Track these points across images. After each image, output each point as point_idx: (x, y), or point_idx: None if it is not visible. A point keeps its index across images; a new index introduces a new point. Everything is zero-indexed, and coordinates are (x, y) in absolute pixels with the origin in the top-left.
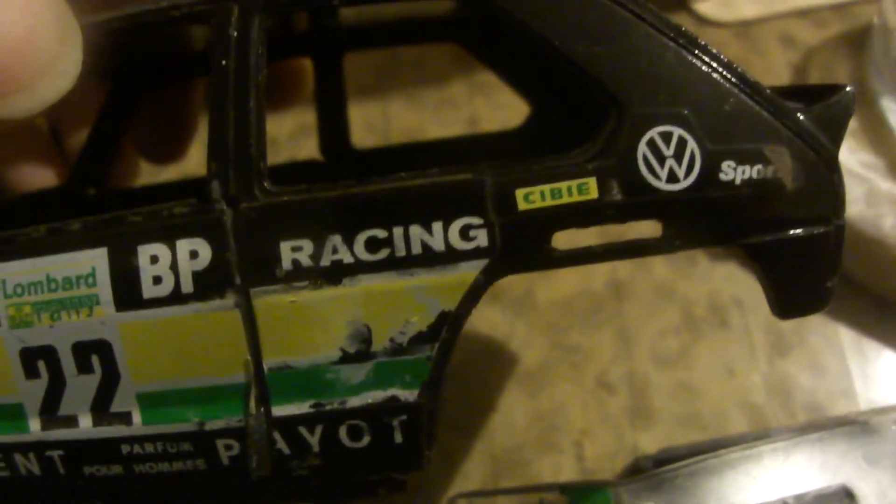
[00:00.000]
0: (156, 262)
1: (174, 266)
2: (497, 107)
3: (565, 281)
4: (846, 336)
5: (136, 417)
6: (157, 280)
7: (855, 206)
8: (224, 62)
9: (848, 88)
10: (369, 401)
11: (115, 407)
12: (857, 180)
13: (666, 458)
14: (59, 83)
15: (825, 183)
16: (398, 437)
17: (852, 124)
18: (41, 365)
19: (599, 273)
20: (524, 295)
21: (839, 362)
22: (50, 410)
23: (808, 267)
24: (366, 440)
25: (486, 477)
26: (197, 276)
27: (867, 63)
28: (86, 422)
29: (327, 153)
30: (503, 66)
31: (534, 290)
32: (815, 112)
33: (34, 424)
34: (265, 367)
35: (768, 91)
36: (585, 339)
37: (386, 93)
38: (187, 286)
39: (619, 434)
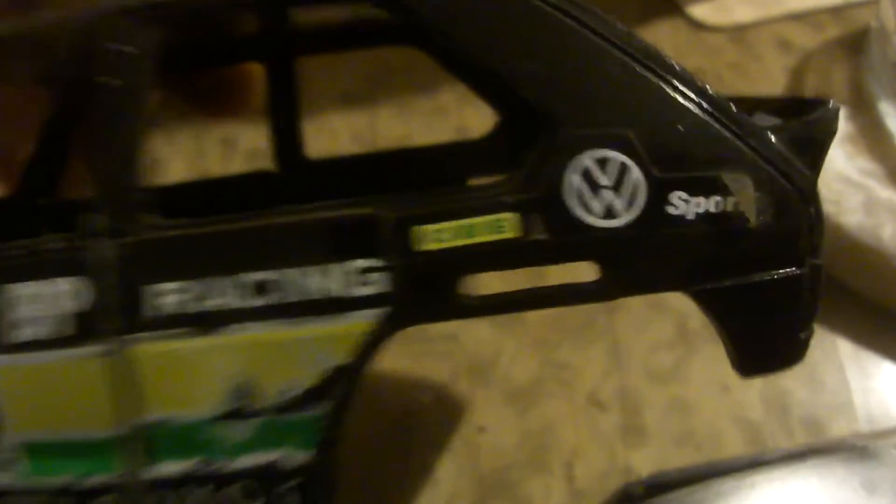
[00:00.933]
0: (23, 302)
1: (43, 307)
2: (487, 115)
3: None
4: (844, 348)
5: (25, 466)
6: (26, 322)
7: (853, 216)
8: (105, 80)
9: (831, 103)
10: (258, 462)
11: (2, 454)
12: (855, 188)
13: (657, 484)
14: None
15: (799, 216)
16: (292, 502)
17: (850, 130)
18: None
19: None
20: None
21: (838, 376)
22: None
23: (777, 316)
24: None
25: (473, 500)
26: (68, 319)
27: (865, 67)
28: None
29: (281, 163)
30: (464, 69)
31: None
32: (789, 132)
33: None
34: (144, 421)
35: (732, 107)
36: (576, 354)
37: (374, 101)
38: (58, 330)
39: (612, 453)
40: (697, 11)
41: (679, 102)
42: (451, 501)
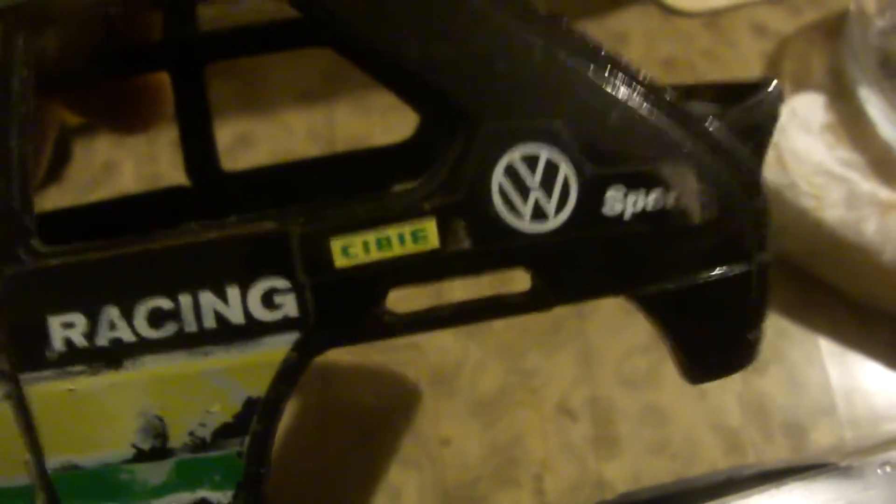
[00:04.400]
0: None
1: None
2: None
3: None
4: (827, 349)
5: None
6: None
7: (835, 210)
8: None
9: (774, 83)
10: None
11: None
12: (837, 181)
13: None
14: None
15: (745, 209)
16: None
17: (829, 119)
18: None
19: None
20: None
21: (820, 377)
22: None
23: (725, 318)
24: None
25: None
26: None
27: (844, 51)
28: None
29: (194, 178)
30: (380, 68)
31: None
32: (731, 118)
33: None
34: (48, 468)
35: (669, 93)
36: (545, 361)
37: (332, 98)
38: None
39: (583, 465)
40: None
41: (611, 91)
42: None
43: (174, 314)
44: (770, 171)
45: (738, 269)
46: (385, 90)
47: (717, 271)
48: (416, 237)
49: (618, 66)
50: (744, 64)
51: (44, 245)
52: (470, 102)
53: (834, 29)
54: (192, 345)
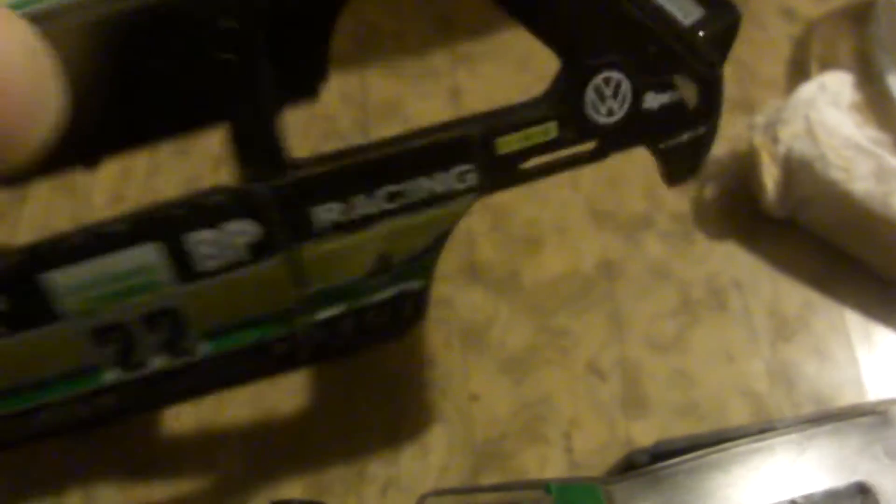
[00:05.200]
0: (206, 244)
1: (224, 244)
2: (480, 77)
3: (552, 260)
4: (852, 320)
5: (204, 348)
6: (210, 257)
7: (863, 183)
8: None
9: (735, 9)
10: (390, 294)
11: (182, 345)
12: (866, 155)
13: (662, 452)
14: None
15: (711, 97)
16: (408, 311)
17: (857, 99)
18: (112, 335)
19: (589, 252)
20: (508, 275)
21: (845, 348)
22: (123, 363)
23: (691, 154)
24: (385, 318)
25: (466, 471)
26: (247, 247)
27: (872, 37)
28: (156, 362)
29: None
30: (528, 23)
31: (519, 270)
32: (711, 32)
33: (110, 375)
34: (311, 291)
35: (683, 25)
36: (574, 322)
37: (364, 63)
38: (239, 256)
39: (611, 424)
40: None
41: (653, 31)
42: (443, 473)
43: (402, 193)
44: (800, 143)
45: (703, 129)
46: (416, 57)
47: (696, 131)
48: (545, 133)
49: (660, 13)
50: (773, 46)
51: (299, 160)
52: (572, 47)
53: (861, 15)
54: (413, 209)
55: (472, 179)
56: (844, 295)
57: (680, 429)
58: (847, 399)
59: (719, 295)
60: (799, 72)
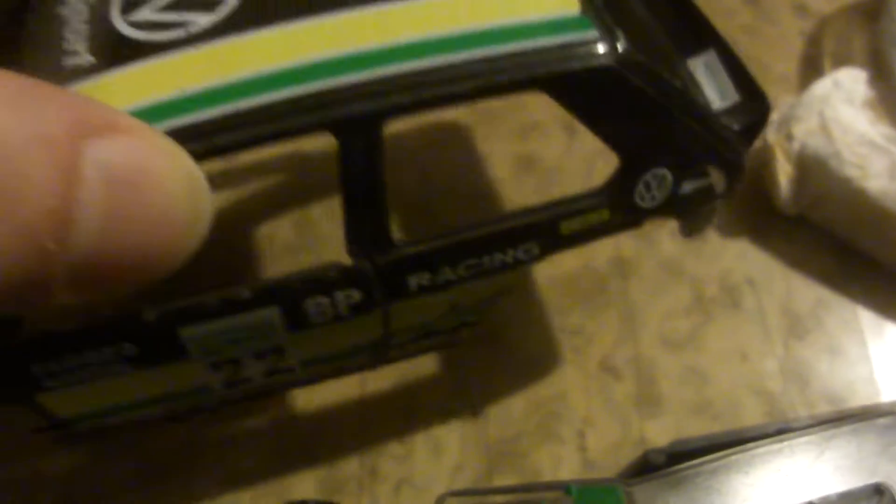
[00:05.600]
0: (319, 307)
1: (334, 306)
2: None
3: (566, 258)
4: (865, 318)
5: (298, 370)
6: (320, 314)
7: (877, 181)
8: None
9: (767, 103)
10: (452, 325)
11: (281, 369)
12: (880, 152)
13: (679, 452)
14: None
15: (736, 178)
16: (464, 333)
17: (870, 95)
18: (226, 366)
19: (602, 250)
20: (522, 274)
21: (858, 346)
22: (229, 385)
23: (707, 216)
24: (445, 339)
25: (481, 470)
26: (351, 307)
27: (883, 32)
28: (256, 382)
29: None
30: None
31: (533, 268)
32: (743, 126)
33: (216, 390)
34: (392, 329)
35: (721, 123)
36: (588, 320)
37: None
38: (344, 312)
39: (625, 423)
40: None
41: (698, 135)
42: (457, 472)
43: (480, 265)
44: (814, 139)
45: (725, 192)
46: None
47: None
48: (599, 217)
49: (707, 119)
50: (784, 41)
51: (398, 242)
52: (631, 153)
53: (873, 10)
54: (487, 275)
55: (535, 252)
56: (857, 292)
57: (694, 427)
58: (860, 396)
59: (733, 293)
60: (811, 68)
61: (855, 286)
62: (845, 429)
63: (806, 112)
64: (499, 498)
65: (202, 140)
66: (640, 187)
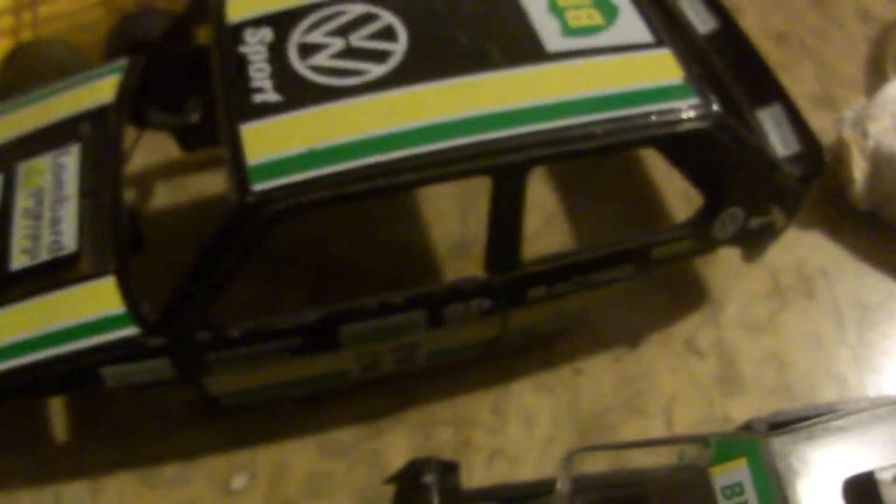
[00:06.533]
0: (456, 311)
1: (468, 311)
2: None
3: None
4: None
5: (425, 360)
6: (456, 317)
7: None
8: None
9: (821, 154)
10: (554, 328)
11: (411, 359)
12: None
13: (779, 422)
14: None
15: (792, 215)
16: (564, 330)
17: None
18: (366, 357)
19: None
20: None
21: None
22: (365, 373)
23: (765, 245)
24: (548, 335)
25: (571, 442)
26: (481, 312)
27: None
28: (387, 368)
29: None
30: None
31: None
32: (801, 174)
33: (353, 374)
34: (508, 329)
35: (784, 170)
36: (673, 303)
37: None
38: (473, 315)
39: (709, 400)
40: None
41: (767, 183)
42: (548, 445)
43: (586, 280)
44: (889, 138)
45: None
46: None
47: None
48: (684, 245)
49: (774, 168)
50: (850, 44)
51: (524, 261)
52: (719, 196)
53: None
54: (589, 289)
55: (630, 272)
56: None
57: (775, 406)
58: None
59: (807, 282)
60: (876, 72)
61: None
62: None
63: (880, 112)
64: (628, 454)
65: (393, 176)
66: (718, 222)
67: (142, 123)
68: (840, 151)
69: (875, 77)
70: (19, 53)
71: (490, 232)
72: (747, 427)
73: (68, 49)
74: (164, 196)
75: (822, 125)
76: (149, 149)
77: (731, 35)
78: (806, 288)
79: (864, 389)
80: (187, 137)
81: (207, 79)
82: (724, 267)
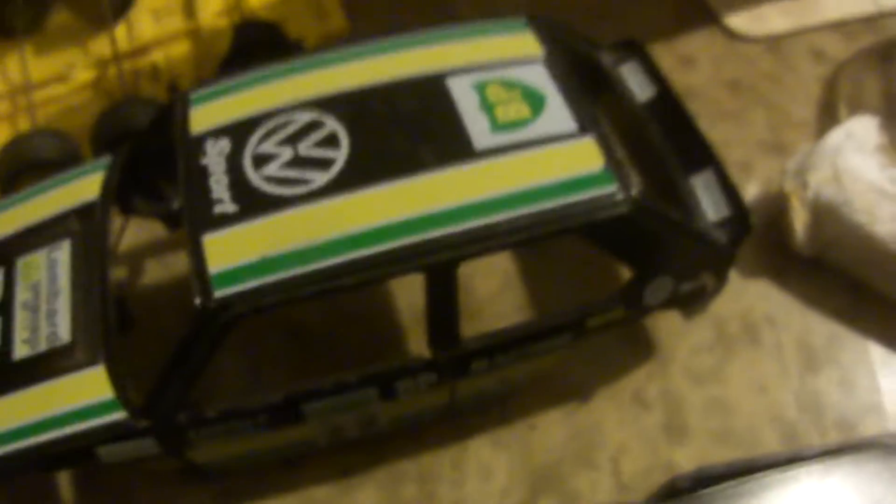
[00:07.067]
0: (406, 385)
1: (416, 385)
2: None
3: None
4: (876, 353)
5: (385, 426)
6: (406, 391)
7: (885, 226)
8: None
9: (748, 220)
10: (502, 390)
11: (372, 426)
12: (888, 200)
13: (702, 478)
14: None
15: (723, 278)
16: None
17: (881, 140)
18: (330, 427)
19: None
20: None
21: (869, 379)
22: (331, 440)
23: (702, 304)
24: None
25: (525, 492)
26: (428, 385)
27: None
28: (351, 434)
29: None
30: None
31: None
32: (728, 238)
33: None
34: (457, 396)
35: (714, 236)
36: (621, 356)
37: None
38: (422, 389)
39: (655, 450)
40: (733, 21)
41: (693, 252)
42: (505, 494)
43: (525, 352)
44: (827, 188)
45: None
46: None
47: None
48: (614, 314)
49: (705, 240)
50: (803, 87)
51: (461, 339)
52: (644, 269)
53: (888, 55)
54: (528, 358)
55: (567, 340)
56: (868, 328)
57: (717, 454)
58: (871, 424)
59: (753, 329)
60: (828, 113)
61: (866, 322)
62: (847, 458)
63: (820, 162)
64: None
65: (337, 279)
66: (648, 291)
67: (128, 211)
68: (782, 202)
69: (827, 119)
70: (15, 145)
71: (429, 317)
72: (671, 484)
73: (60, 138)
74: (153, 272)
75: (771, 173)
76: (138, 227)
77: (667, 101)
78: (751, 336)
79: (806, 432)
80: (172, 219)
81: None
82: (670, 319)
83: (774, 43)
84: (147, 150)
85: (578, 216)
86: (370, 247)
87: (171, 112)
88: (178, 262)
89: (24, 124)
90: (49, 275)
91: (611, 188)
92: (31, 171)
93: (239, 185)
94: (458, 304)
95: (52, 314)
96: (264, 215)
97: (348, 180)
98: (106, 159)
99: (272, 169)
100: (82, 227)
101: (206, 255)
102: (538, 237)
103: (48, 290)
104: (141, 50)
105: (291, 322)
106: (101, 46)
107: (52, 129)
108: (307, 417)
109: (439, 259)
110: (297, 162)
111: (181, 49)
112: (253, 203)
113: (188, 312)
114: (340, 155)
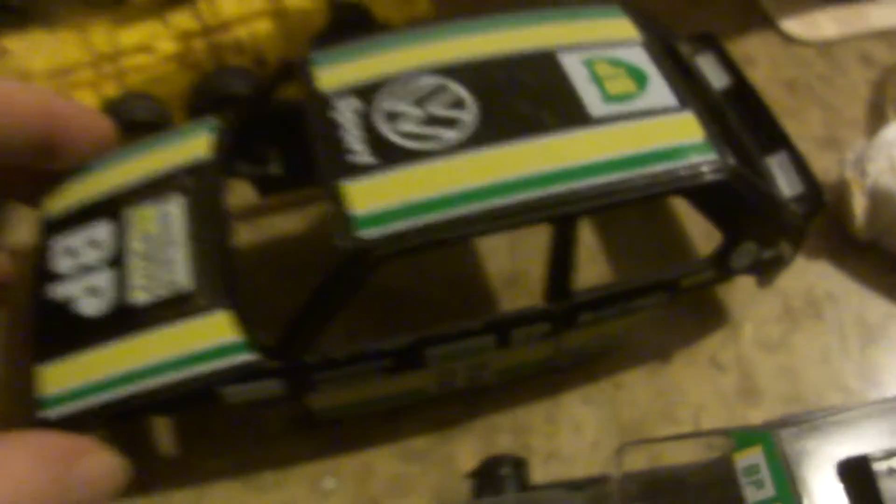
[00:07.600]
0: (520, 334)
1: (530, 334)
2: None
3: None
4: None
5: (492, 377)
6: (520, 339)
7: None
8: None
9: (822, 195)
10: (600, 346)
11: (481, 376)
12: None
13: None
14: None
15: (797, 248)
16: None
17: None
18: (445, 374)
19: None
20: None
21: None
22: (441, 388)
23: (776, 272)
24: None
25: (615, 446)
26: (540, 333)
27: None
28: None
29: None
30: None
31: None
32: (803, 212)
33: (430, 389)
34: (562, 349)
35: (790, 209)
36: (697, 325)
37: None
38: (535, 338)
39: (731, 409)
40: (788, 25)
41: (776, 221)
42: (596, 447)
43: (626, 306)
44: (884, 177)
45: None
46: None
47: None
48: (705, 276)
49: (783, 211)
50: (853, 89)
51: (573, 291)
52: (739, 234)
53: None
54: (628, 314)
55: (663, 298)
56: None
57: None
58: None
59: (815, 305)
60: (877, 113)
61: None
62: None
63: (876, 154)
64: (668, 445)
65: (474, 225)
66: (735, 255)
67: (229, 173)
68: (842, 189)
69: (876, 118)
70: (111, 108)
71: (549, 268)
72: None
73: (154, 101)
74: (245, 235)
75: (827, 165)
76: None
77: (743, 90)
78: (814, 310)
79: (865, 399)
80: (264, 184)
81: (289, 135)
82: (741, 293)
83: (826, 47)
84: (251, 116)
85: (684, 179)
86: (504, 197)
87: (291, 74)
88: (271, 225)
89: (110, 90)
90: (162, 226)
91: (712, 156)
92: (130, 132)
93: (374, 138)
94: (575, 258)
95: (169, 263)
96: (402, 166)
97: (479, 138)
98: (209, 122)
99: (405, 125)
100: (195, 184)
101: (347, 199)
102: (650, 196)
103: (163, 240)
104: (224, 26)
105: (380, 286)
106: (182, 20)
107: (145, 93)
108: (427, 363)
109: (567, 211)
110: (429, 120)
111: (266, 26)
112: (390, 155)
113: (281, 269)
114: (468, 116)
